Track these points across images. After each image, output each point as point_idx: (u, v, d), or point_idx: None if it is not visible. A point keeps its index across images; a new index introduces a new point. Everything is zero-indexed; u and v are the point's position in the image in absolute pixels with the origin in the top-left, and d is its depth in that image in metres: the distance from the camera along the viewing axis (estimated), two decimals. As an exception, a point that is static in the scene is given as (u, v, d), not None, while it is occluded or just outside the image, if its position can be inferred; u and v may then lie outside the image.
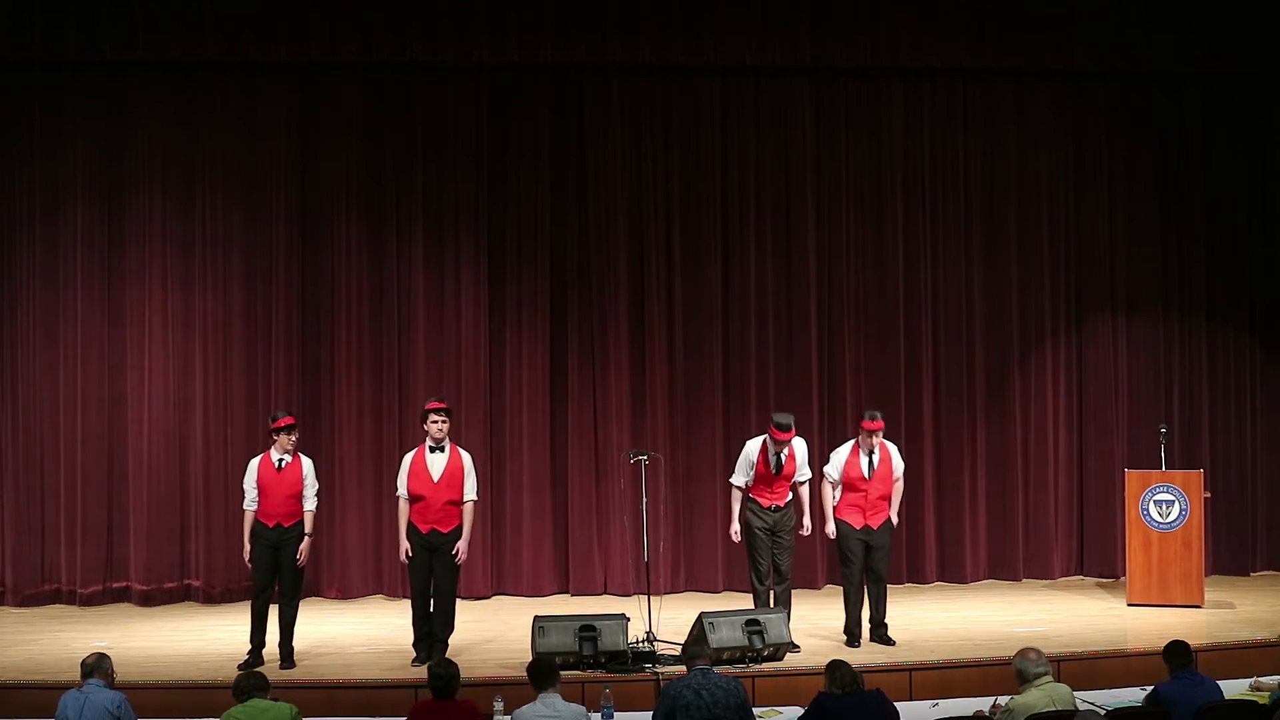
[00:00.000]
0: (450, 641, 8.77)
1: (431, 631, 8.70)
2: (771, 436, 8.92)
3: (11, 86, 10.96)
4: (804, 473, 9.16)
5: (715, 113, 11.44)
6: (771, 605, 8.95)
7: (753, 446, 9.09)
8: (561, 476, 11.31)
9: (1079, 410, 11.73)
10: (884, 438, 9.10)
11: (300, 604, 8.86)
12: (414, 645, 8.77)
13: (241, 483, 8.84)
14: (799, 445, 9.11)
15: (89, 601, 10.81)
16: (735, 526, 9.11)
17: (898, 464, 9.15)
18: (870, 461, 8.99)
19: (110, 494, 10.98)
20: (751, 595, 9.19)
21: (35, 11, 10.59)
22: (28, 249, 10.98)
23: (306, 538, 8.73)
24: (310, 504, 8.77)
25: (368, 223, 11.21)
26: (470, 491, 8.79)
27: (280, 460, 8.71)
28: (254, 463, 8.80)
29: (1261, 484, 11.82)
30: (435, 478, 8.70)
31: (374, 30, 10.84)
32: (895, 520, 9.21)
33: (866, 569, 9.00)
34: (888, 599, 9.15)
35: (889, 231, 11.56)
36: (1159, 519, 10.20)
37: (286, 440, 8.73)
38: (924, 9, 11.26)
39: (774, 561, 9.02)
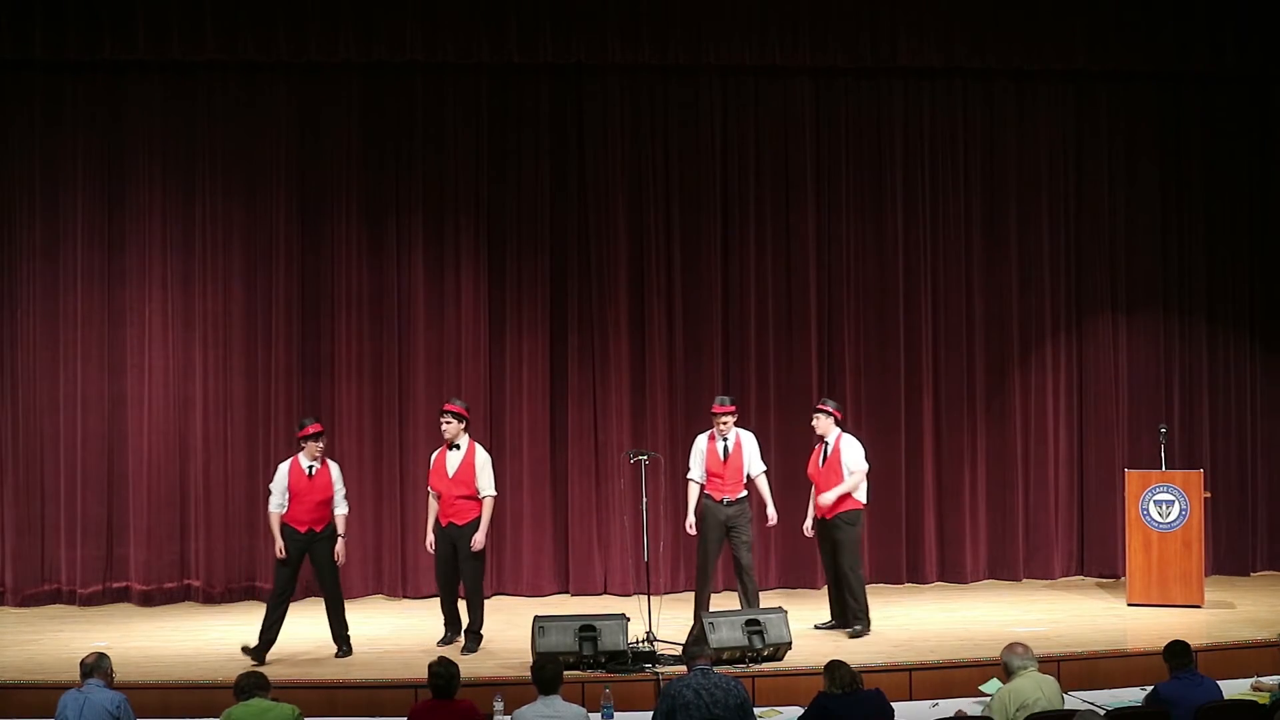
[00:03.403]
0: (450, 641, 8.95)
1: (459, 616, 9.06)
2: (712, 413, 9.28)
3: (11, 86, 10.96)
4: (756, 466, 9.34)
5: (715, 113, 11.43)
6: (745, 603, 9.14)
7: (701, 438, 9.39)
8: (561, 476, 11.30)
9: (1079, 410, 11.72)
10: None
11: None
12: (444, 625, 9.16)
13: (266, 484, 9.02)
14: (747, 437, 9.34)
15: (89, 601, 10.80)
16: (691, 519, 9.31)
17: (852, 456, 9.15)
18: (824, 452, 9.22)
19: (110, 494, 10.97)
20: (738, 595, 9.35)
21: (35, 11, 10.58)
22: (28, 249, 10.97)
23: (340, 539, 8.90)
24: (342, 508, 8.95)
25: (368, 222, 11.20)
26: (485, 487, 8.99)
27: (310, 467, 8.82)
28: (283, 467, 8.92)
29: (1261, 484, 11.81)
30: (449, 474, 8.95)
31: (374, 30, 10.83)
32: (830, 500, 9.06)
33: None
34: (863, 592, 9.28)
35: (889, 231, 11.55)
36: (1159, 519, 10.20)
37: (315, 447, 8.85)
38: (924, 9, 11.25)
39: (734, 556, 9.24)
